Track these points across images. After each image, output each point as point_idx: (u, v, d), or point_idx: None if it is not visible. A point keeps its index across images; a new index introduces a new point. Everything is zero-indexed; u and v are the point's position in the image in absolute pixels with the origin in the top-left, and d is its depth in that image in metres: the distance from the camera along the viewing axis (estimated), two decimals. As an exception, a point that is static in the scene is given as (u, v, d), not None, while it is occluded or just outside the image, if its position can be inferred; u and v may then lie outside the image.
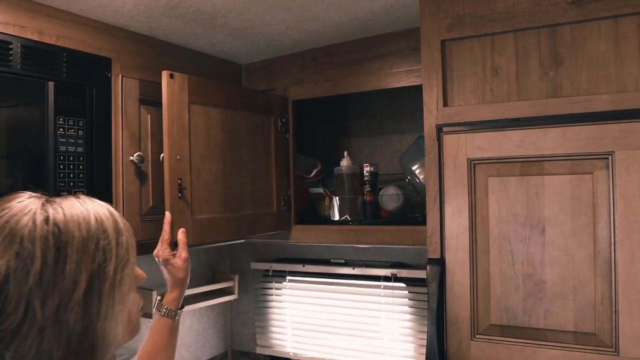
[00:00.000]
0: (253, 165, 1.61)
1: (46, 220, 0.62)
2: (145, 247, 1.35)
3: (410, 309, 1.78)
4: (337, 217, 1.74)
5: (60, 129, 1.25)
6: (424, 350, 1.73)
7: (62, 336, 0.59)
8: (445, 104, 1.23)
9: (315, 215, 1.88)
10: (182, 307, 1.22)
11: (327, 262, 1.95)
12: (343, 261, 1.92)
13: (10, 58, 1.17)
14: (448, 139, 1.21)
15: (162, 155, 1.33)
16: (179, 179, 1.33)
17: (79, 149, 1.29)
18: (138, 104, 1.46)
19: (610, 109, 1.06)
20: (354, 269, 1.86)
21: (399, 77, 1.59)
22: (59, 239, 0.61)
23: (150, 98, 1.47)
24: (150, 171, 1.48)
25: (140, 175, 1.46)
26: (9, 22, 1.19)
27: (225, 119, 1.50)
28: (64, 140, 1.26)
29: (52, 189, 1.22)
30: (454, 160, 1.20)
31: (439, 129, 1.23)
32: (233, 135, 1.53)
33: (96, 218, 0.65)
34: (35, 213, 0.62)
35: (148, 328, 1.20)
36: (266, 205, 1.67)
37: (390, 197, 1.71)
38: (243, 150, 1.57)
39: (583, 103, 1.09)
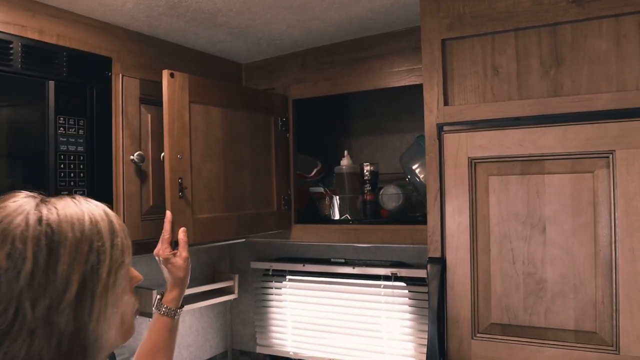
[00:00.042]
0: (253, 164, 1.61)
1: (39, 220, 0.61)
2: (146, 246, 1.35)
3: (410, 308, 1.78)
4: (337, 217, 1.74)
5: (61, 129, 1.25)
6: (424, 350, 1.74)
7: (53, 338, 0.59)
8: (445, 103, 1.23)
9: (315, 215, 1.88)
10: (182, 306, 1.22)
11: (327, 262, 1.95)
12: (343, 260, 1.92)
13: (11, 57, 1.17)
14: (449, 138, 1.21)
15: (162, 154, 1.33)
16: (179, 178, 1.33)
17: (80, 149, 1.29)
18: (138, 103, 1.46)
19: (611, 107, 1.06)
20: (354, 268, 1.86)
21: (400, 76, 1.59)
22: (51, 239, 0.60)
23: (151, 97, 1.47)
24: (150, 170, 1.48)
25: (141, 174, 1.46)
26: (9, 21, 1.19)
27: (225, 118, 1.50)
28: (65, 139, 1.26)
29: (52, 189, 1.22)
30: (454, 159, 1.20)
31: (440, 128, 1.23)
32: (233, 135, 1.53)
33: (91, 219, 0.65)
34: (28, 213, 0.61)
35: (147, 327, 1.20)
36: (266, 205, 1.67)
37: (391, 197, 1.71)
38: (243, 150, 1.57)
39: (584, 102, 1.09)
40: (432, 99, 1.24)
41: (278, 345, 2.08)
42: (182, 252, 1.24)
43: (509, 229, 1.15)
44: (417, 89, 1.35)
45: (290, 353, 2.04)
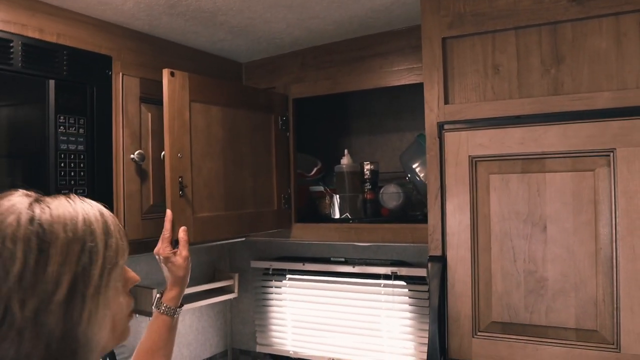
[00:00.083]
0: (254, 163, 1.61)
1: (31, 220, 0.60)
2: (146, 245, 1.35)
3: (410, 307, 1.78)
4: (337, 215, 1.74)
5: (61, 127, 1.25)
6: (423, 348, 1.74)
7: (42, 338, 0.58)
8: (446, 102, 1.23)
9: (315, 214, 1.88)
10: (182, 305, 1.22)
11: (327, 261, 1.95)
12: (343, 259, 1.92)
13: (11, 56, 1.17)
14: (449, 137, 1.21)
15: (163, 153, 1.33)
16: (179, 177, 1.32)
17: (80, 147, 1.29)
18: (139, 102, 1.46)
19: (612, 106, 1.06)
20: (354, 267, 1.86)
21: (400, 75, 1.59)
22: (42, 239, 0.60)
23: (151, 96, 1.47)
24: (150, 169, 1.48)
25: (141, 173, 1.46)
26: (9, 20, 1.18)
27: (226, 117, 1.50)
28: (65, 138, 1.26)
29: (52, 188, 1.22)
30: (455, 157, 1.20)
31: (440, 126, 1.23)
32: (234, 134, 1.53)
33: (84, 219, 0.64)
34: (20, 212, 0.61)
35: (147, 326, 1.20)
36: (267, 204, 1.67)
37: (391, 195, 1.71)
38: (244, 149, 1.57)
39: (584, 100, 1.09)
40: (432, 97, 1.24)
41: (278, 344, 2.08)
42: (183, 251, 1.24)
43: (510, 227, 1.15)
44: (417, 88, 1.35)
45: (290, 352, 2.04)
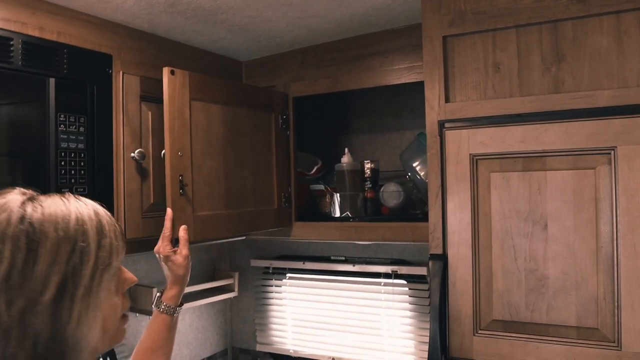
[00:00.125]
0: (254, 162, 1.61)
1: (21, 218, 0.60)
2: (146, 244, 1.35)
3: (410, 306, 1.78)
4: (338, 214, 1.74)
5: (62, 126, 1.25)
6: (424, 347, 1.74)
7: (28, 339, 0.57)
8: (447, 100, 1.23)
9: (316, 212, 1.88)
10: (181, 304, 1.22)
11: (327, 260, 1.95)
12: (343, 258, 1.92)
13: (11, 54, 1.17)
14: (450, 135, 1.21)
15: (163, 151, 1.33)
16: (180, 176, 1.32)
17: (80, 146, 1.29)
18: (139, 101, 1.46)
19: (613, 104, 1.06)
20: (354, 266, 1.86)
21: (400, 74, 1.59)
22: (31, 238, 0.59)
23: (151, 95, 1.47)
24: (151, 168, 1.48)
25: (141, 172, 1.46)
26: (9, 18, 1.18)
27: (226, 115, 1.50)
28: (65, 137, 1.26)
29: (53, 186, 1.22)
30: (456, 155, 1.20)
31: (441, 124, 1.23)
32: (234, 132, 1.53)
33: (77, 218, 0.63)
34: (12, 211, 0.60)
35: (147, 324, 1.20)
36: (267, 202, 1.67)
37: (391, 194, 1.71)
38: (244, 147, 1.57)
39: (585, 98, 1.09)
40: (433, 95, 1.24)
41: (278, 343, 2.08)
42: (183, 249, 1.24)
43: (511, 226, 1.15)
44: (417, 87, 1.35)
45: (291, 351, 2.04)
